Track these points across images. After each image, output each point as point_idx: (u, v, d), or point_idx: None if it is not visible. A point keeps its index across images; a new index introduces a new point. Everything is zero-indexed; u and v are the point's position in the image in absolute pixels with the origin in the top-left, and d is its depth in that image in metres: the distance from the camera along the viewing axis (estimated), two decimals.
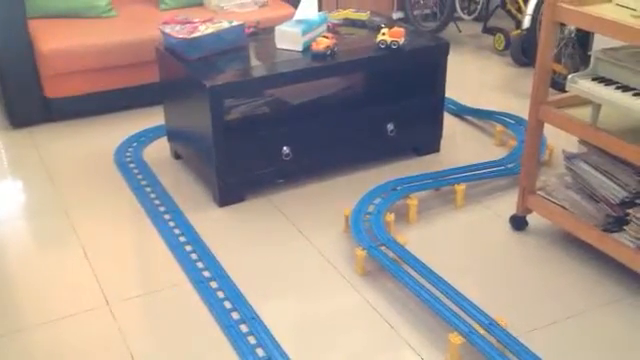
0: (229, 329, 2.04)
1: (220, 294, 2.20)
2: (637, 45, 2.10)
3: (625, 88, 2.05)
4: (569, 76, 2.17)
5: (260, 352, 1.95)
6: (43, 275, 2.34)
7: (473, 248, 2.46)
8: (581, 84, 2.14)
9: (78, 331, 2.08)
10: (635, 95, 2.01)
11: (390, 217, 2.47)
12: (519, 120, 3.20)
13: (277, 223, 2.62)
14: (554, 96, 2.38)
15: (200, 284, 2.25)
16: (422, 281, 2.15)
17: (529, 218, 2.53)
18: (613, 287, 2.22)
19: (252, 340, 2.00)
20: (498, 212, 2.64)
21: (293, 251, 2.45)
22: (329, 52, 2.74)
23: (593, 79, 2.13)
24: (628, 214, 2.14)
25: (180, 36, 2.71)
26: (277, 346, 1.97)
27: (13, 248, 2.51)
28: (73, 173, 3.01)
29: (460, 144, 3.20)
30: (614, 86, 2.07)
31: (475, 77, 4.09)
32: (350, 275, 2.30)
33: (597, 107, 2.13)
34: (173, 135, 3.06)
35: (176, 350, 2.00)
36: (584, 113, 2.21)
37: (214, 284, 2.25)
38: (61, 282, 2.30)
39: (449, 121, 3.33)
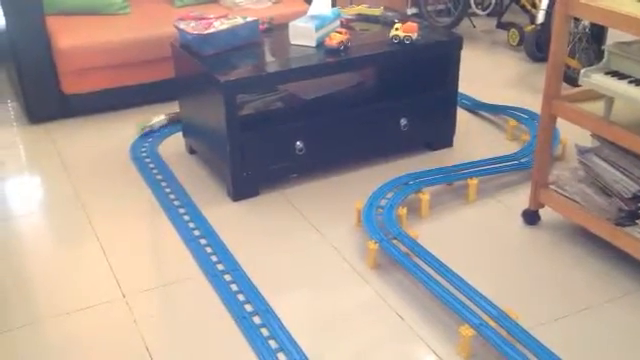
0: (242, 320, 2.07)
1: (234, 287, 2.23)
2: None
3: (638, 82, 2.05)
4: (582, 70, 2.17)
5: (273, 344, 1.98)
6: (60, 268, 2.39)
7: (485, 242, 2.47)
8: (594, 78, 2.14)
9: (94, 323, 2.11)
10: None
11: (402, 211, 2.49)
12: (532, 115, 3.20)
13: (290, 217, 2.64)
14: (567, 91, 2.38)
15: (214, 277, 2.28)
16: (433, 274, 2.16)
17: (542, 212, 2.53)
18: (625, 281, 2.22)
19: (265, 332, 2.03)
20: (510, 206, 2.65)
21: (306, 245, 2.47)
22: (342, 47, 2.76)
23: (606, 73, 2.13)
24: None
25: (195, 32, 2.74)
26: (289, 337, 1.99)
27: (31, 242, 2.55)
28: (90, 168, 3.05)
29: (473, 139, 3.20)
30: (627, 80, 2.07)
31: (489, 73, 4.09)
32: (362, 268, 2.32)
33: (610, 101, 2.13)
34: (188, 130, 3.09)
35: (190, 341, 2.03)
36: (597, 107, 2.21)
37: (228, 277, 2.28)
38: (77, 275, 2.34)
39: (462, 116, 3.33)
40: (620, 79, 2.08)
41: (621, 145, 2.15)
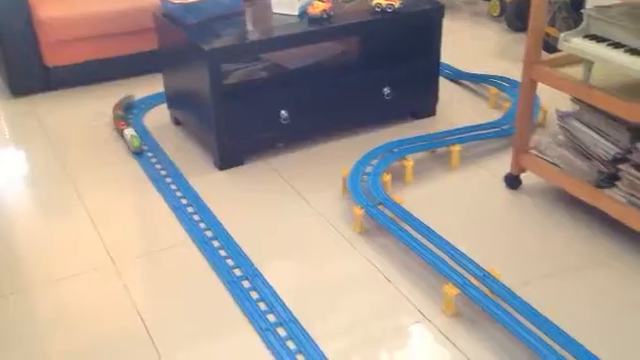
0: (232, 284, 2.10)
1: (222, 252, 2.26)
2: (629, 2, 2.14)
3: (617, 45, 2.09)
4: (561, 34, 2.20)
5: (262, 306, 2.01)
6: (49, 238, 2.40)
7: (467, 206, 2.52)
8: (573, 42, 2.17)
9: (85, 289, 2.14)
10: (627, 52, 2.05)
11: (387, 177, 2.53)
12: (514, 83, 3.23)
13: (276, 185, 2.67)
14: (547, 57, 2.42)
15: (203, 243, 2.31)
16: (418, 237, 2.21)
17: (523, 177, 2.58)
18: (604, 242, 2.28)
19: (254, 295, 2.06)
20: (493, 172, 2.70)
21: (292, 212, 2.50)
22: (325, 16, 2.77)
23: (585, 37, 2.17)
24: (620, 170, 2.19)
25: (177, 1, 2.74)
26: (278, 299, 2.03)
27: (19, 213, 2.56)
28: (75, 140, 3.05)
29: (456, 108, 3.24)
30: (606, 43, 2.11)
31: (471, 43, 4.11)
32: (349, 234, 2.36)
33: (589, 65, 2.17)
34: (173, 101, 3.09)
35: (181, 305, 2.06)
36: (576, 72, 2.25)
37: (216, 243, 2.31)
38: (67, 244, 2.36)
39: (445, 86, 3.36)
40: (599, 42, 2.12)
41: (600, 108, 2.20)
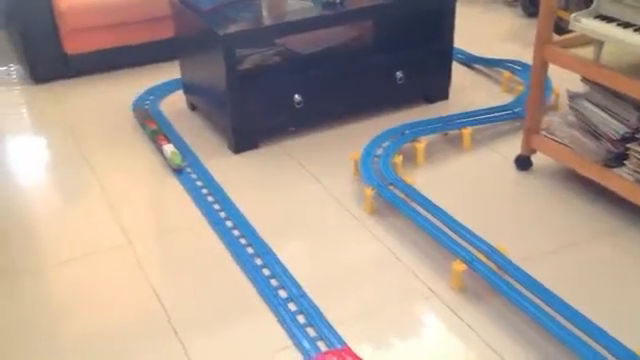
0: (245, 263, 2.15)
1: (236, 232, 2.31)
2: None
3: (626, 25, 2.10)
4: (572, 15, 2.22)
5: (274, 282, 2.07)
6: (67, 219, 2.48)
7: (477, 187, 2.54)
8: (583, 22, 2.19)
9: (101, 267, 2.20)
10: (636, 31, 2.06)
11: (398, 159, 2.56)
12: (526, 67, 3.23)
13: (290, 168, 2.72)
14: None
15: (217, 224, 2.36)
16: (427, 216, 2.24)
17: (534, 159, 2.60)
18: (611, 220, 2.30)
19: (266, 272, 2.11)
20: (504, 154, 2.72)
21: (305, 193, 2.55)
22: (339, 0, 2.80)
23: (595, 17, 2.18)
24: (628, 149, 2.21)
25: None
26: (289, 276, 2.08)
27: (38, 196, 2.64)
28: (94, 126, 3.13)
29: (469, 92, 3.26)
30: (615, 23, 2.12)
31: (485, 28, 4.12)
32: (359, 214, 2.40)
33: (599, 44, 2.18)
34: (188, 87, 3.15)
35: (195, 282, 2.12)
36: (587, 52, 2.26)
37: (229, 223, 2.36)
38: (84, 225, 2.43)
39: (459, 70, 3.38)
40: (609, 22, 2.14)
41: (610, 88, 2.21)
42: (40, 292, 2.11)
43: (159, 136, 2.86)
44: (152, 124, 2.96)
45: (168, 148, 2.74)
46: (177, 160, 2.69)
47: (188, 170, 2.71)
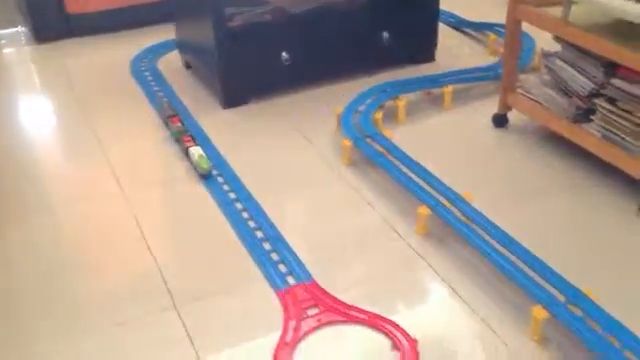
0: (232, 216, 2.25)
1: (225, 187, 2.42)
2: None
3: None
4: None
5: (259, 234, 2.17)
6: (63, 168, 2.63)
7: (453, 142, 2.65)
8: None
9: (95, 211, 2.34)
10: None
11: (379, 115, 2.67)
12: None
13: (276, 123, 2.83)
14: None
15: (207, 177, 2.48)
16: (400, 166, 2.35)
17: (512, 118, 2.69)
18: (578, 173, 2.40)
19: (252, 224, 2.22)
20: (484, 113, 2.80)
21: (289, 146, 2.67)
22: None
23: None
24: (594, 104, 2.30)
25: None
26: (272, 226, 2.18)
27: (40, 146, 2.79)
28: (93, 82, 3.26)
29: (455, 53, 3.34)
30: None
31: None
32: (338, 166, 2.52)
33: (568, 3, 2.26)
34: (183, 46, 3.27)
35: (183, 230, 2.26)
36: (559, 11, 2.34)
37: (220, 179, 2.47)
38: (80, 174, 2.58)
39: (447, 33, 3.46)
40: None
41: (578, 45, 2.30)
42: (38, 230, 2.26)
43: (185, 137, 2.61)
44: (176, 121, 2.73)
45: (195, 151, 2.49)
46: (205, 165, 2.44)
47: (179, 124, 2.83)
